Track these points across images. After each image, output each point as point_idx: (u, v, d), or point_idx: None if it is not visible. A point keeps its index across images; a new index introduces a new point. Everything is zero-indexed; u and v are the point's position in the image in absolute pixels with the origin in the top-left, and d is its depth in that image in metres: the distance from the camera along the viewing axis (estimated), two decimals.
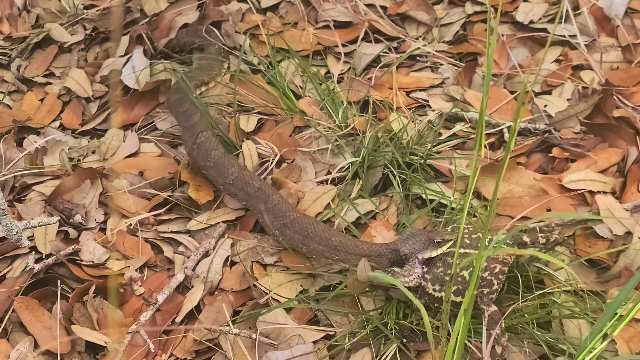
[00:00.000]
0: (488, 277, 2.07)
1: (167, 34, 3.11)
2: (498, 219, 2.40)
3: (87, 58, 3.12)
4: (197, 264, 2.40)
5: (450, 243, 2.12)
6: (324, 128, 2.68)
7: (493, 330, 2.02)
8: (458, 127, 2.67)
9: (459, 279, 2.08)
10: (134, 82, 2.91)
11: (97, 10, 3.22)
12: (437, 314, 2.13)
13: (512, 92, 2.77)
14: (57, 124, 2.90)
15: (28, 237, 2.47)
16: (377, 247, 2.24)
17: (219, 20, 3.11)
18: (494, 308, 2.05)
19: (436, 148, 2.60)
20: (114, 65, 3.00)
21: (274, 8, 3.19)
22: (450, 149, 2.61)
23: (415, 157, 2.53)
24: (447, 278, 2.09)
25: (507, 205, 2.44)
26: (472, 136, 2.63)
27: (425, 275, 2.12)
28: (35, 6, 3.33)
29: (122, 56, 3.02)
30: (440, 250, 2.12)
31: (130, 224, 2.52)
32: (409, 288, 2.12)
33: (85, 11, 3.24)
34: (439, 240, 2.12)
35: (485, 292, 2.07)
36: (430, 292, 2.11)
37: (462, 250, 2.11)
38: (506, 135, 2.62)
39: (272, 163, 2.63)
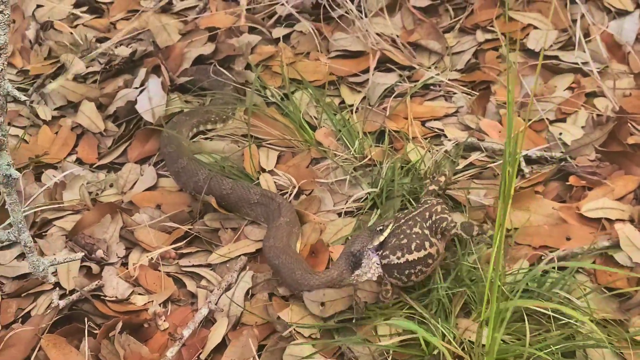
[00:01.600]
0: (437, 217, 2.30)
1: (179, 66, 3.13)
2: (518, 247, 2.43)
3: (101, 89, 3.14)
4: (219, 297, 2.41)
5: (390, 226, 2.28)
6: (341, 159, 2.70)
7: (474, 232, 2.31)
8: (474, 156, 2.69)
9: (414, 236, 2.26)
10: (150, 115, 2.92)
11: (111, 44, 3.23)
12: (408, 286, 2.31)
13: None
14: (73, 158, 2.91)
15: (52, 273, 2.48)
16: (330, 271, 2.32)
17: (232, 55, 3.13)
18: (458, 222, 2.31)
19: (453, 178, 2.62)
20: (128, 97, 3.01)
21: (285, 38, 3.21)
22: (468, 179, 2.63)
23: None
24: (403, 242, 2.26)
25: (526, 234, 2.46)
26: (489, 165, 2.65)
27: (383, 254, 2.27)
28: (47, 39, 3.35)
29: (137, 88, 3.04)
30: (385, 233, 2.28)
31: (152, 258, 2.54)
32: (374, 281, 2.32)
33: (98, 44, 3.26)
34: (380, 227, 2.29)
35: (444, 226, 2.28)
36: (395, 262, 2.25)
37: (402, 221, 2.31)
38: (523, 163, 2.64)
39: (290, 195, 2.65)
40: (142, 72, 3.07)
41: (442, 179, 2.50)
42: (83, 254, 2.46)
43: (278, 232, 2.48)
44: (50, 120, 3.06)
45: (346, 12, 3.14)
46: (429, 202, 2.35)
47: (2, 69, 2.08)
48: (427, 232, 2.27)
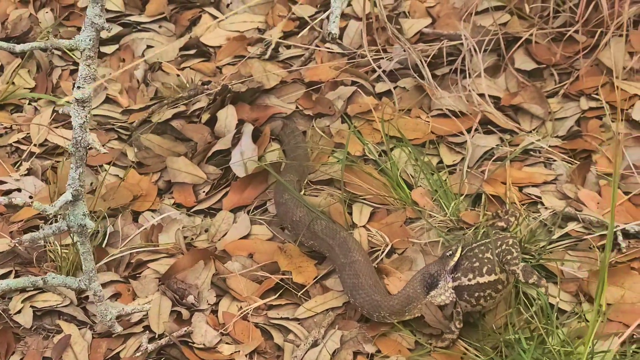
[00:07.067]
0: (506, 248, 2.35)
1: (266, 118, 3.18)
2: (609, 324, 2.39)
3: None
4: (305, 353, 2.43)
5: (460, 249, 2.41)
6: (436, 220, 2.70)
7: (531, 279, 2.31)
8: (571, 226, 2.66)
9: (485, 260, 2.35)
10: (243, 169, 2.96)
11: (211, 84, 3.29)
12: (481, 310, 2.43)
13: (626, 193, 2.75)
14: (171, 201, 2.96)
15: (144, 316, 2.53)
16: (406, 290, 2.46)
17: (325, 114, 3.16)
18: (522, 264, 2.33)
19: (548, 248, 2.60)
20: (223, 144, 3.06)
21: (388, 94, 3.21)
22: (563, 250, 2.61)
23: (527, 256, 2.54)
24: (475, 265, 2.36)
25: (619, 311, 2.43)
26: (585, 237, 2.62)
27: (455, 276, 2.39)
28: (154, 80, 3.41)
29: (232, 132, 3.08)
30: (457, 256, 2.40)
31: (241, 307, 2.56)
32: (444, 306, 2.45)
33: (203, 87, 3.31)
34: (449, 252, 2.42)
35: (509, 259, 2.34)
36: (466, 284, 2.37)
37: (474, 245, 2.42)
38: (620, 237, 2.60)
39: (382, 253, 2.66)
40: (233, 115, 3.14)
41: (513, 219, 2.56)
42: (150, 306, 2.54)
43: (362, 269, 2.54)
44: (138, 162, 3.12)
45: (450, 72, 3.15)
46: (502, 234, 2.45)
47: (84, 122, 2.17)
48: (496, 259, 2.36)
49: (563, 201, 2.75)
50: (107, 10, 3.62)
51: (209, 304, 2.60)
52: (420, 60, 3.14)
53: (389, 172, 2.85)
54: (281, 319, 2.54)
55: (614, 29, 3.11)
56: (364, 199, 2.84)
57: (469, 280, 2.37)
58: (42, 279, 2.39)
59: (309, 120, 3.16)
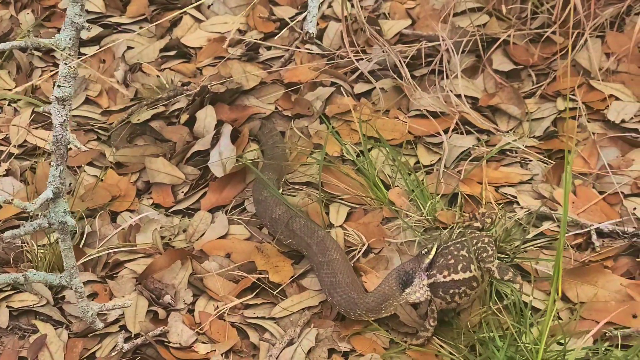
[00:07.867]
0: (481, 246, 2.39)
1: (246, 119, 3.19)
2: (582, 322, 2.41)
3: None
4: (281, 351, 2.44)
5: (435, 247, 2.43)
6: (412, 220, 2.71)
7: (507, 276, 2.33)
8: (546, 226, 2.68)
9: (461, 258, 2.37)
10: (221, 169, 2.97)
11: (191, 85, 3.30)
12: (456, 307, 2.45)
13: (601, 193, 2.77)
14: (149, 201, 2.96)
15: (120, 315, 2.54)
16: (381, 287, 2.47)
17: (304, 115, 3.17)
18: (497, 262, 2.36)
19: (522, 247, 2.62)
20: (202, 144, 3.07)
21: (366, 94, 3.23)
22: (537, 249, 2.62)
23: (502, 255, 2.55)
24: (451, 262, 2.37)
25: (592, 309, 2.45)
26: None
27: (430, 273, 2.40)
28: (134, 81, 3.42)
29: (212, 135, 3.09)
30: (432, 253, 2.42)
31: (217, 306, 2.57)
32: (418, 303, 2.48)
33: (183, 88, 3.31)
34: (425, 251, 2.44)
35: (484, 256, 2.37)
36: (441, 280, 2.37)
37: (450, 243, 2.44)
38: (594, 236, 2.62)
39: (359, 253, 2.67)
40: (212, 114, 3.15)
41: (489, 220, 2.57)
42: (131, 301, 2.54)
43: (339, 267, 2.56)
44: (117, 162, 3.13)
45: (428, 72, 3.17)
46: (477, 233, 2.47)
47: (65, 120, 2.19)
48: (472, 256, 2.37)
49: (538, 201, 2.77)
50: (88, 12, 3.62)
51: (185, 304, 2.60)
52: (399, 61, 3.15)
53: (367, 172, 2.87)
54: (257, 318, 2.55)
55: (590, 30, 3.13)
56: (342, 199, 2.85)
57: (444, 277, 2.38)
58: (23, 275, 2.40)
59: (287, 120, 3.17)
